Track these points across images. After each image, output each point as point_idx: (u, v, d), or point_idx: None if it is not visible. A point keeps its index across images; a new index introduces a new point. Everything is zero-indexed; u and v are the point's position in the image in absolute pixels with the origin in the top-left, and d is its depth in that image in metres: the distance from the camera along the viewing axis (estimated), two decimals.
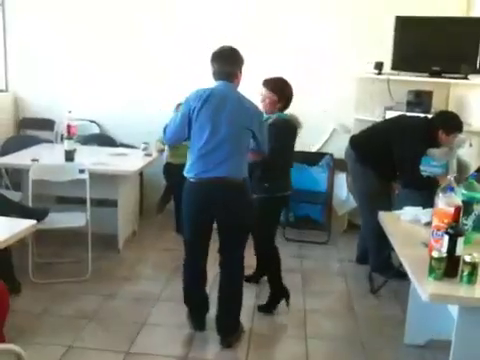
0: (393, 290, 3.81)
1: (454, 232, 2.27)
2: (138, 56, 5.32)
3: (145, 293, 3.69)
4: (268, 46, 5.12)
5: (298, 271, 4.22)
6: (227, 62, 2.98)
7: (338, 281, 4.09)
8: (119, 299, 3.60)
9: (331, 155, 5.12)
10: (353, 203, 4.68)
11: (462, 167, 4.47)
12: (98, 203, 4.75)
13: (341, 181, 5.06)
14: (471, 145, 4.42)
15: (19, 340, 2.93)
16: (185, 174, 2.98)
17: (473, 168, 4.29)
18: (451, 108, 4.79)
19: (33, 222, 2.76)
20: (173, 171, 4.51)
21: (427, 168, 4.26)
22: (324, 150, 5.31)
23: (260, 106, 3.61)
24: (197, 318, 3.19)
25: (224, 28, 5.02)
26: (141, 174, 5.12)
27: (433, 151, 4.20)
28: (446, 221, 2.39)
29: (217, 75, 3.00)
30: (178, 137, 3.06)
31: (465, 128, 4.40)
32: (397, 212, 3.14)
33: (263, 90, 3.50)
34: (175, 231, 4.75)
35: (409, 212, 3.05)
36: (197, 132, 2.92)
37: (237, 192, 2.94)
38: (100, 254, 4.18)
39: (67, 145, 4.25)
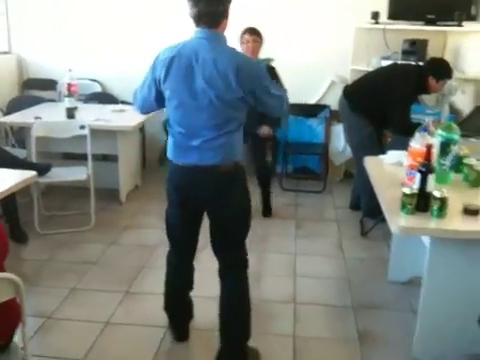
0: (383, 233, 3.90)
1: (425, 170, 2.40)
2: (139, 14, 5.33)
3: (145, 240, 3.89)
4: None
5: (293, 218, 4.36)
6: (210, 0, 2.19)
7: (330, 226, 4.23)
8: (120, 246, 3.80)
9: (329, 107, 5.18)
10: (350, 154, 4.74)
11: (455, 114, 4.52)
12: (103, 158, 4.94)
13: (339, 132, 5.12)
14: (464, 92, 4.46)
15: (25, 284, 3.14)
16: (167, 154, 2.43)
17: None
18: (447, 56, 4.79)
19: (34, 173, 2.96)
20: None
21: (420, 116, 4.34)
22: (322, 102, 5.37)
23: (247, 53, 3.80)
24: (179, 328, 2.76)
25: None
26: (142, 130, 5.27)
27: (424, 98, 4.27)
28: (419, 160, 2.51)
29: (197, 19, 2.23)
30: (149, 109, 2.48)
31: (459, 75, 4.45)
32: (381, 156, 3.24)
33: (248, 36, 3.73)
34: None
35: (392, 156, 3.15)
36: (168, 106, 2.33)
37: (226, 181, 2.34)
38: (104, 206, 4.39)
39: (68, 103, 4.39)
